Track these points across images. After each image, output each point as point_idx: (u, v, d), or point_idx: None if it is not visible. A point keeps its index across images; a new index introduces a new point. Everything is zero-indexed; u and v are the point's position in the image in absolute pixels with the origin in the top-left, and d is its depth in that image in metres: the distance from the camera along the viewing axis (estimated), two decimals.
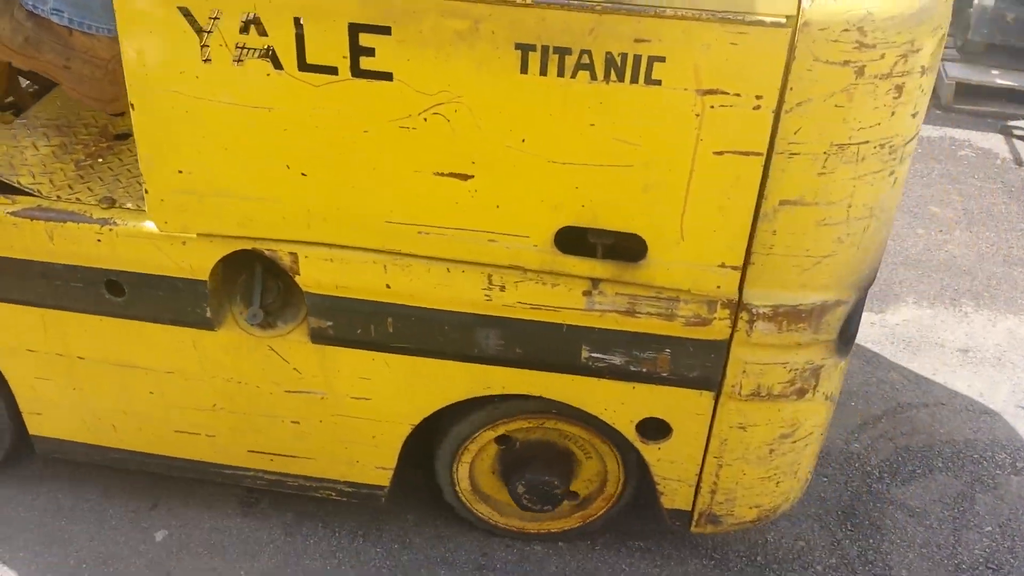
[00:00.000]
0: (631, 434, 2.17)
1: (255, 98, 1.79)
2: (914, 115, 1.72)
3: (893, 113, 1.68)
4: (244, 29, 1.71)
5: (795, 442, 2.15)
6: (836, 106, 1.64)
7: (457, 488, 2.47)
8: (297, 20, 1.69)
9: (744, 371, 1.99)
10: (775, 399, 2.04)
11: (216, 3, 1.70)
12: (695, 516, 2.32)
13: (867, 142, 1.69)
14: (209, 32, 1.73)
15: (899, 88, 1.65)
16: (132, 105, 1.85)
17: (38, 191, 2.13)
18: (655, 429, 2.15)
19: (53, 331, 2.28)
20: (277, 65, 1.74)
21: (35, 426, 2.52)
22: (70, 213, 2.07)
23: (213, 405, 2.34)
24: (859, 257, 1.87)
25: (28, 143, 2.27)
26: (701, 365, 2.01)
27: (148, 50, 1.77)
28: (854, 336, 2.07)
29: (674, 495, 2.29)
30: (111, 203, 2.09)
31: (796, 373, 2.00)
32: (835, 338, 1.97)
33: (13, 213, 2.08)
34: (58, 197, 2.12)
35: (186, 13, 1.71)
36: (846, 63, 1.60)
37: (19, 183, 2.14)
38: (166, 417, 2.40)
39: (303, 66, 1.74)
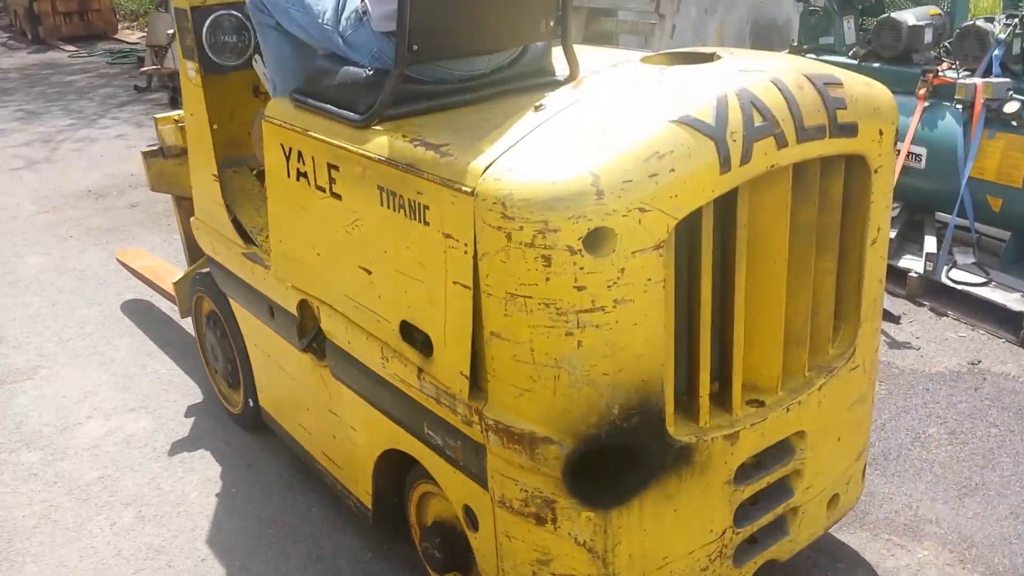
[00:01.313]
0: (462, 517, 2.67)
1: (298, 200, 2.95)
2: (579, 289, 2.10)
3: (548, 279, 2.11)
4: (292, 157, 2.91)
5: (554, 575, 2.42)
6: (501, 261, 2.16)
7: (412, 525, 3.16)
8: (308, 157, 2.83)
9: (493, 477, 2.42)
10: (516, 515, 2.39)
11: (293, 144, 2.93)
12: None
13: (531, 297, 2.14)
14: (288, 157, 2.97)
15: (546, 259, 2.09)
16: (267, 197, 3.16)
17: (258, 240, 3.56)
18: (471, 518, 2.63)
19: (257, 333, 3.67)
20: (307, 183, 2.89)
21: (262, 399, 3.93)
22: (258, 257, 3.46)
23: (308, 408, 3.46)
24: (562, 405, 2.21)
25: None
26: (477, 463, 2.49)
27: (272, 165, 3.08)
28: (606, 495, 2.30)
29: None
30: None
31: (528, 495, 2.34)
32: (559, 477, 2.28)
33: (243, 254, 3.55)
34: (258, 244, 3.52)
35: (286, 152, 2.98)
36: (499, 228, 2.13)
37: (253, 236, 3.60)
38: (294, 409, 3.59)
39: (312, 184, 2.85)
